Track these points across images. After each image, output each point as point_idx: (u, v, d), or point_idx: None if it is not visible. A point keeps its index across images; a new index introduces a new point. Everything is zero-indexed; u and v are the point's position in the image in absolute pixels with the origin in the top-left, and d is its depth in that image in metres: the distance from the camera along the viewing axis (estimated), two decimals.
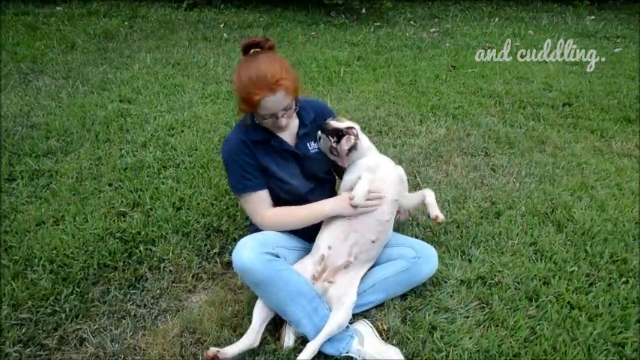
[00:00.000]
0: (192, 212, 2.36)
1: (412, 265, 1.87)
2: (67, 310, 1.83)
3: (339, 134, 1.79)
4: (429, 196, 1.86)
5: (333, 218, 1.81)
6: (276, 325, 1.77)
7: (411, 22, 6.74)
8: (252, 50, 1.68)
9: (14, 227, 2.23)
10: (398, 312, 1.85)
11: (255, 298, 1.73)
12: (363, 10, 6.67)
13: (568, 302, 1.88)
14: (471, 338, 1.73)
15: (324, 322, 1.65)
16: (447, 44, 5.64)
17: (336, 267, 1.78)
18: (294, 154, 1.84)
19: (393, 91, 4.05)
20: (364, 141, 1.87)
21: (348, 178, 1.85)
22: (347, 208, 1.76)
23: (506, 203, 2.53)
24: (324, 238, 1.81)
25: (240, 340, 1.66)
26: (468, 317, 1.83)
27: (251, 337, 1.66)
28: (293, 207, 1.83)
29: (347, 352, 1.65)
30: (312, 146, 1.87)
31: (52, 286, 1.90)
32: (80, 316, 1.83)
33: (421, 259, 1.89)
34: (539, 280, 2.00)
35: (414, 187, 2.68)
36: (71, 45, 4.93)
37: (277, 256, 1.65)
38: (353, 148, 1.81)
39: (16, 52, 4.63)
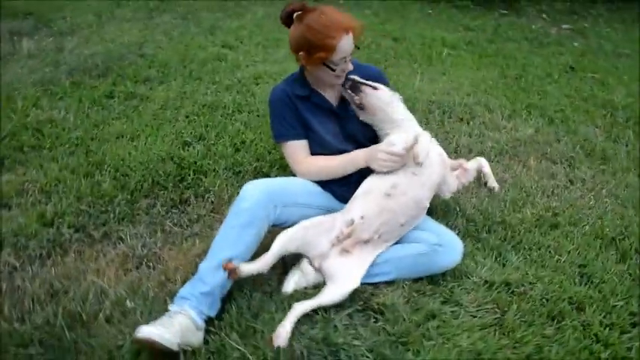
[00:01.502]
0: (247, 155, 2.51)
1: (431, 251, 1.81)
2: (117, 212, 2.09)
3: (354, 86, 1.79)
4: (485, 166, 1.99)
5: (371, 188, 1.80)
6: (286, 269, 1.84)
7: (543, 16, 6.14)
8: (295, 15, 1.74)
9: (99, 135, 2.56)
10: (405, 292, 1.81)
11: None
12: None
13: (595, 334, 1.68)
14: (468, 337, 1.64)
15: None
16: (575, 44, 5.07)
17: (360, 239, 1.79)
18: (334, 112, 1.86)
19: (492, 81, 3.79)
20: (397, 111, 1.82)
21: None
22: (378, 159, 1.74)
23: (571, 218, 2.28)
24: (358, 205, 1.80)
25: (254, 262, 1.66)
26: (475, 317, 1.73)
27: (261, 263, 1.65)
28: (329, 157, 1.87)
29: None
30: (350, 110, 1.87)
31: (110, 190, 2.17)
32: (125, 220, 2.08)
33: (442, 247, 1.82)
34: (572, 304, 1.81)
35: (475, 180, 2.52)
36: None
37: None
38: (361, 105, 1.81)
39: None
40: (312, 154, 1.90)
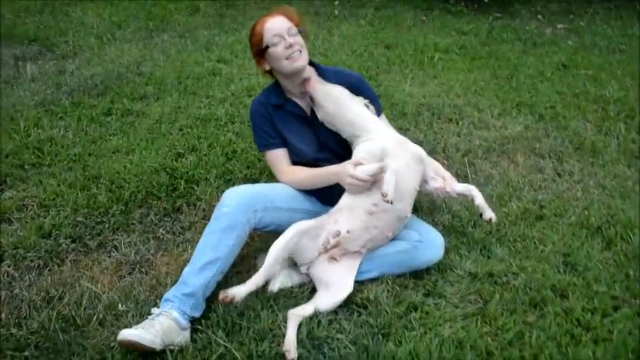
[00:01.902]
0: (238, 163, 2.58)
1: (412, 248, 1.86)
2: (112, 222, 2.17)
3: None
4: (477, 197, 1.86)
5: (354, 204, 1.81)
6: None
7: (538, 17, 6.17)
8: None
9: (96, 151, 2.66)
10: (389, 286, 1.85)
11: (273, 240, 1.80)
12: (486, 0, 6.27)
13: (577, 319, 1.71)
14: (450, 327, 1.68)
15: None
16: (570, 42, 5.09)
17: (347, 250, 1.84)
18: (308, 120, 1.93)
19: (483, 82, 3.83)
20: (351, 110, 1.87)
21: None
22: (346, 183, 1.78)
23: (557, 209, 2.31)
24: (344, 219, 1.82)
25: (248, 281, 1.70)
26: (457, 308, 1.77)
27: (255, 279, 1.70)
28: (308, 169, 1.93)
29: None
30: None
31: (106, 201, 2.26)
32: (120, 229, 2.16)
33: (423, 243, 1.87)
34: (555, 291, 1.83)
35: (462, 178, 2.58)
36: (196, 9, 5.48)
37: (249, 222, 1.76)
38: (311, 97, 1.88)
39: (150, 12, 5.30)
40: (292, 163, 1.98)
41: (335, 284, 1.78)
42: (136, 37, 4.58)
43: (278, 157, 1.96)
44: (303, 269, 1.84)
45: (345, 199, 1.85)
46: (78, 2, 5.61)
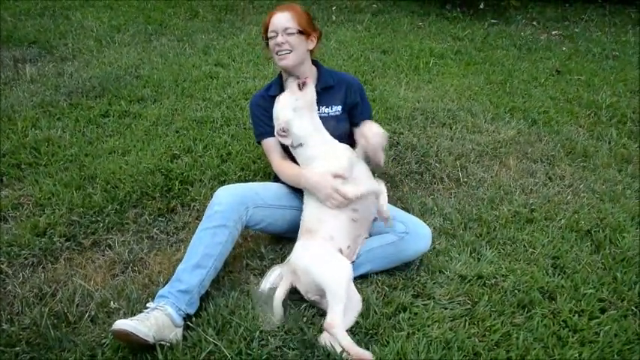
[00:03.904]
0: (233, 165, 2.60)
1: (399, 240, 1.88)
2: (106, 221, 2.19)
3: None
4: (382, 195, 1.85)
5: (336, 212, 1.82)
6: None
7: (534, 23, 6.22)
8: None
9: (93, 152, 2.68)
10: (378, 287, 1.87)
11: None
12: (482, 6, 6.32)
13: (564, 321, 1.73)
14: (438, 328, 1.69)
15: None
16: (564, 48, 5.14)
17: None
18: None
19: (478, 87, 3.87)
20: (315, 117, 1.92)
21: None
22: (328, 196, 1.79)
23: (547, 213, 2.34)
24: (336, 233, 1.80)
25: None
26: (446, 309, 1.79)
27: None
28: (291, 164, 1.97)
29: None
30: (321, 109, 1.98)
31: (101, 201, 2.28)
32: (114, 228, 2.18)
33: (410, 235, 1.88)
34: (544, 294, 1.86)
35: (454, 181, 2.61)
36: (195, 14, 5.53)
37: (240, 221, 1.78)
38: None
39: (149, 16, 5.34)
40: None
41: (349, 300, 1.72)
42: (135, 40, 4.61)
43: (271, 147, 2.01)
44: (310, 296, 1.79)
45: (323, 213, 1.83)
46: (78, 6, 5.66)
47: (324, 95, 1.99)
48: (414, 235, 1.88)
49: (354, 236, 1.85)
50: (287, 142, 1.87)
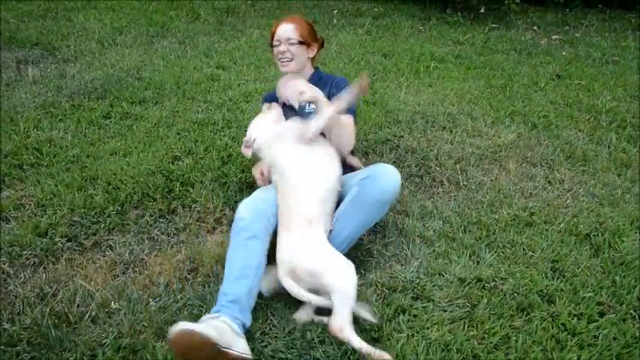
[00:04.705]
0: (234, 167, 2.61)
1: (361, 187, 1.85)
2: (107, 222, 2.20)
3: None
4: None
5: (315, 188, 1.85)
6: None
7: (534, 28, 6.25)
8: None
9: (94, 153, 2.70)
10: (378, 289, 1.88)
11: None
12: (482, 10, 6.35)
13: (562, 324, 1.73)
14: (438, 330, 1.70)
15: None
16: (564, 53, 5.16)
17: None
18: (293, 109, 2.04)
19: (478, 92, 3.88)
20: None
21: None
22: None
23: (546, 217, 2.35)
24: (321, 215, 1.81)
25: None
26: (445, 311, 1.79)
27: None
28: None
29: None
30: (310, 106, 2.06)
31: (102, 202, 2.29)
32: (115, 229, 2.18)
33: (370, 178, 1.85)
34: (543, 297, 1.86)
35: (454, 184, 2.62)
36: (196, 16, 5.56)
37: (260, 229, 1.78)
38: None
39: (151, 18, 5.37)
40: None
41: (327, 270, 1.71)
42: (137, 42, 4.63)
43: None
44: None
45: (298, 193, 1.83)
46: (80, 8, 5.69)
47: None
48: (374, 176, 1.84)
49: (329, 209, 1.86)
50: (247, 153, 1.99)
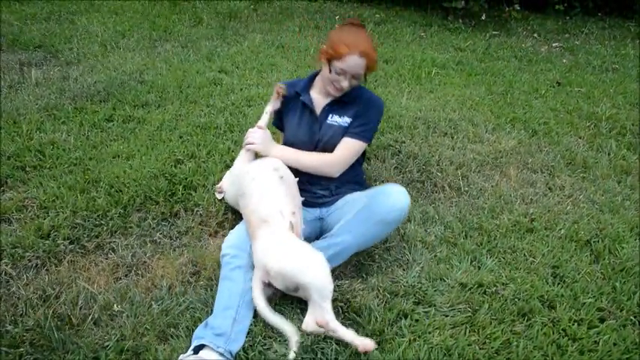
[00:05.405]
0: None
1: (369, 200, 1.89)
2: (110, 225, 2.20)
3: None
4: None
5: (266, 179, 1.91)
6: None
7: (535, 35, 6.29)
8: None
9: (97, 156, 2.71)
10: (380, 294, 1.89)
11: None
12: (483, 17, 6.39)
13: (563, 329, 1.75)
14: (439, 335, 1.71)
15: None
16: (564, 60, 5.19)
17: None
18: (313, 114, 2.06)
19: (479, 98, 3.91)
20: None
21: None
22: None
23: (547, 223, 2.36)
24: (285, 201, 1.85)
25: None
26: (447, 316, 1.80)
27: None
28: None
29: None
30: (333, 118, 2.05)
31: (105, 205, 2.29)
32: (118, 232, 2.19)
33: (379, 193, 1.91)
34: (544, 302, 1.87)
35: (455, 190, 2.63)
36: (199, 20, 5.58)
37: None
38: None
39: (154, 22, 5.39)
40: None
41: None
42: (140, 46, 4.65)
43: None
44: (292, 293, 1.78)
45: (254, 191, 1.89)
46: (84, 11, 5.70)
47: (340, 105, 2.06)
48: (384, 193, 1.89)
49: (290, 198, 1.87)
50: (219, 197, 2.21)
